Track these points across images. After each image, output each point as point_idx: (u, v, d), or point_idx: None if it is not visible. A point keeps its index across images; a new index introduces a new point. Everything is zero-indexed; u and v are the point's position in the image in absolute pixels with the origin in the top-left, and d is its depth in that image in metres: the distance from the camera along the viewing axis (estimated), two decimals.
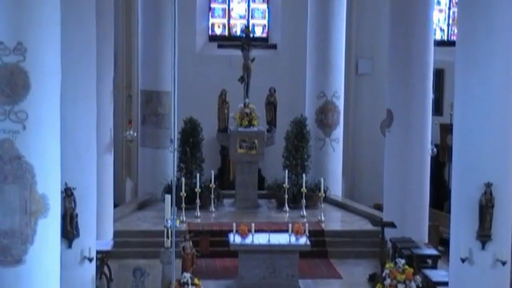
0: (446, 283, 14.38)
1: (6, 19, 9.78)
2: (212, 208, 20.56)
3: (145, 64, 21.68)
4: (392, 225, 17.12)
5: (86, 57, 13.70)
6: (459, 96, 13.52)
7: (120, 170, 22.66)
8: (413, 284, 15.11)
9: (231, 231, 16.72)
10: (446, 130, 21.24)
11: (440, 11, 24.88)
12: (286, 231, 16.76)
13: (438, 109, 21.93)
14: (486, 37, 12.95)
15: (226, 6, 25.37)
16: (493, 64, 13.06)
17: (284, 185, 20.57)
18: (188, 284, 15.01)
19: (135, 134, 20.48)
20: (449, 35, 24.90)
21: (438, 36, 23.94)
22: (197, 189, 19.89)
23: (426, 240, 18.20)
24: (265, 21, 25.44)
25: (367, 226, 19.05)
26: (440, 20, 24.88)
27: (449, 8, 25.00)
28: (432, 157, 18.33)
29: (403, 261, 15.48)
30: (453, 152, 13.73)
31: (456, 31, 16.93)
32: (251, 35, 22.83)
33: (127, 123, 20.68)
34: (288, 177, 20.73)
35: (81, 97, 13.67)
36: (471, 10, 13.11)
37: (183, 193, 19.60)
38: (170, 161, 20.55)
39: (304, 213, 20.26)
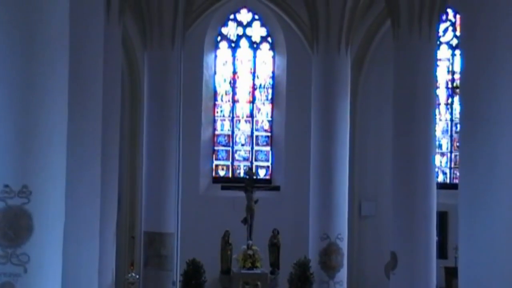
0: None
1: (12, 162, 9.88)
2: None
3: (149, 205, 21.72)
4: None
5: (90, 198, 13.76)
6: (463, 239, 13.45)
7: None
8: None
9: None
10: (451, 273, 21.04)
11: (442, 154, 25.12)
12: None
13: (442, 252, 21.81)
14: (488, 181, 12.99)
15: (230, 149, 25.67)
16: (497, 208, 13.05)
17: None
18: None
19: (137, 276, 20.30)
20: (451, 178, 25.04)
21: (440, 179, 24.12)
22: None
23: None
24: (268, 163, 25.66)
25: None
26: (442, 163, 25.08)
27: (451, 152, 25.23)
28: None
29: None
30: None
31: (458, 174, 17.05)
32: (255, 177, 22.98)
33: (129, 265, 20.54)
34: None
35: (84, 238, 13.63)
36: (472, 155, 13.22)
37: None
38: None
39: None
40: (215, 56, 25.92)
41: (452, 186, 22.79)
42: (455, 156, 24.84)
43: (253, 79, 25.94)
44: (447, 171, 25.32)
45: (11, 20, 10.08)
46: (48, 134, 10.19)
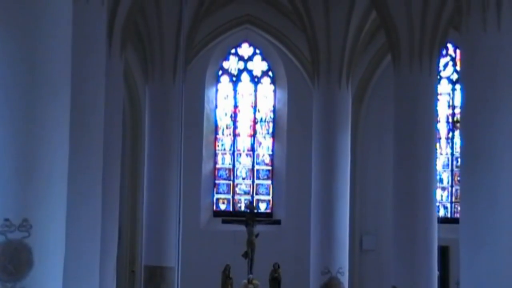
0: None
1: (12, 196, 9.86)
2: None
3: (149, 239, 21.66)
4: None
5: (91, 232, 13.71)
6: (465, 274, 13.41)
7: None
8: None
9: None
10: None
11: (443, 188, 25.09)
12: None
13: (444, 287, 21.72)
14: (489, 215, 12.97)
15: (230, 182, 25.66)
16: (498, 242, 13.02)
17: None
18: None
19: None
20: (452, 213, 24.99)
21: (441, 213, 24.08)
22: None
23: None
24: (269, 197, 25.64)
25: None
26: (443, 197, 25.05)
27: (452, 186, 25.22)
28: None
29: None
30: None
31: (459, 208, 17.05)
32: (255, 210, 22.96)
33: None
34: None
35: (84, 272, 13.56)
36: (473, 189, 13.21)
37: None
38: None
39: None
40: (216, 90, 26.02)
41: (453, 221, 22.75)
42: (456, 190, 24.81)
43: (254, 113, 26.01)
44: (448, 205, 25.28)
45: (14, 55, 10.12)
46: (48, 168, 10.19)
